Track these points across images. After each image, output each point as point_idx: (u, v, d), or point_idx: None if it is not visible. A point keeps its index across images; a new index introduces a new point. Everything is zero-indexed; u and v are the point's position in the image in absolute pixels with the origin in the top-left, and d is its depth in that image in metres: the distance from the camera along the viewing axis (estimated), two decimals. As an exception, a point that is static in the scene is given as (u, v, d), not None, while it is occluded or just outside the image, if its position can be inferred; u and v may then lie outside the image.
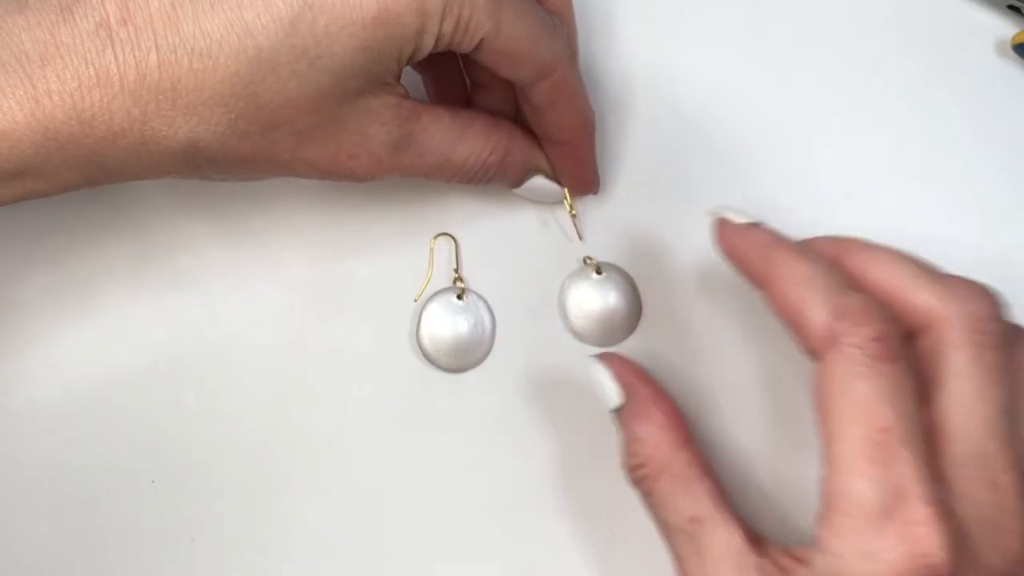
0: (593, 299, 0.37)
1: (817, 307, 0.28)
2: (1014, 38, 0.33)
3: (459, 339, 0.37)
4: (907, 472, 0.26)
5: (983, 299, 0.28)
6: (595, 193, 0.37)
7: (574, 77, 0.34)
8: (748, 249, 0.31)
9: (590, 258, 0.38)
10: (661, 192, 0.38)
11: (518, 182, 0.36)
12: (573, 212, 0.37)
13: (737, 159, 0.39)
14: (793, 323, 0.29)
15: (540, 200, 0.37)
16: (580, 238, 0.38)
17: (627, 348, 0.37)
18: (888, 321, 0.28)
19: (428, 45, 0.30)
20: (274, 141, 0.30)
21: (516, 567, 0.36)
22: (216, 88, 0.28)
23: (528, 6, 0.32)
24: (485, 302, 0.38)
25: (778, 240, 0.31)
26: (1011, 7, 0.34)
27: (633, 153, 0.38)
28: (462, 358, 0.37)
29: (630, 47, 0.39)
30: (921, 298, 0.29)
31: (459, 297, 0.37)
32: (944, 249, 0.37)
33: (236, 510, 0.37)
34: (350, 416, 0.37)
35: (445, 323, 0.37)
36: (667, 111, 0.39)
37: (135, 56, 0.27)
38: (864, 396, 0.27)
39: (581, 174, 0.37)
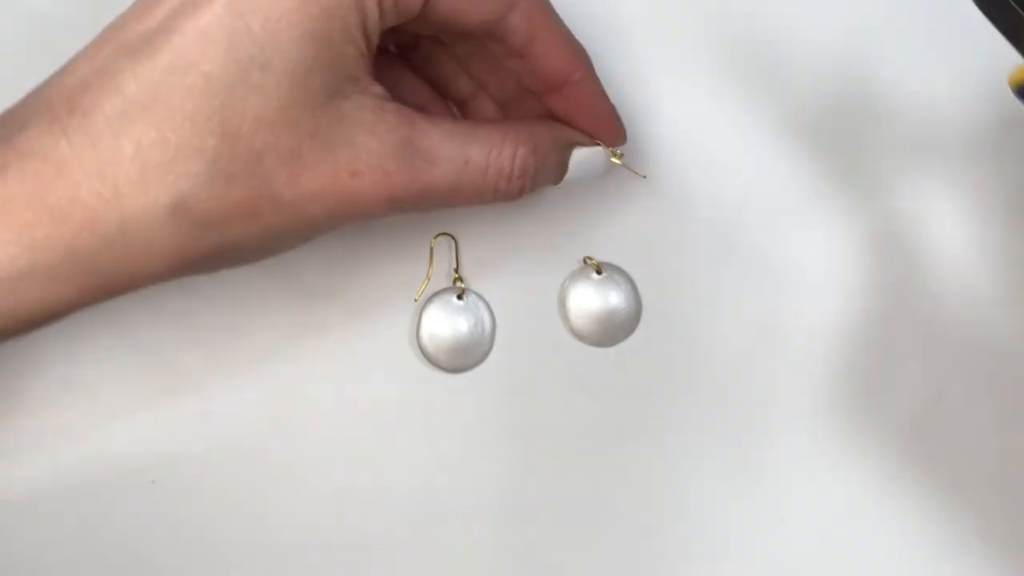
0: (593, 299, 0.37)
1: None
2: (1012, 78, 0.29)
3: (459, 339, 0.37)
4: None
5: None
6: (624, 140, 0.35)
7: (543, 2, 0.32)
8: None
9: (590, 258, 0.38)
10: (661, 192, 0.38)
11: (562, 170, 0.34)
12: (619, 154, 0.35)
13: (737, 159, 0.39)
14: None
15: (585, 176, 0.35)
16: (643, 175, 0.37)
17: (627, 348, 0.37)
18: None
19: (372, 11, 0.29)
20: (265, 175, 0.28)
21: (516, 566, 0.36)
22: (179, 134, 0.27)
23: None
24: (485, 302, 0.38)
25: None
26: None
27: (633, 153, 0.38)
28: (462, 358, 0.37)
29: (630, 47, 0.39)
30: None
31: (459, 297, 0.37)
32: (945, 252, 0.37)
33: (236, 510, 0.37)
34: (350, 416, 0.37)
35: (445, 323, 0.37)
36: (667, 112, 0.39)
37: (89, 136, 0.27)
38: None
39: (599, 114, 0.35)
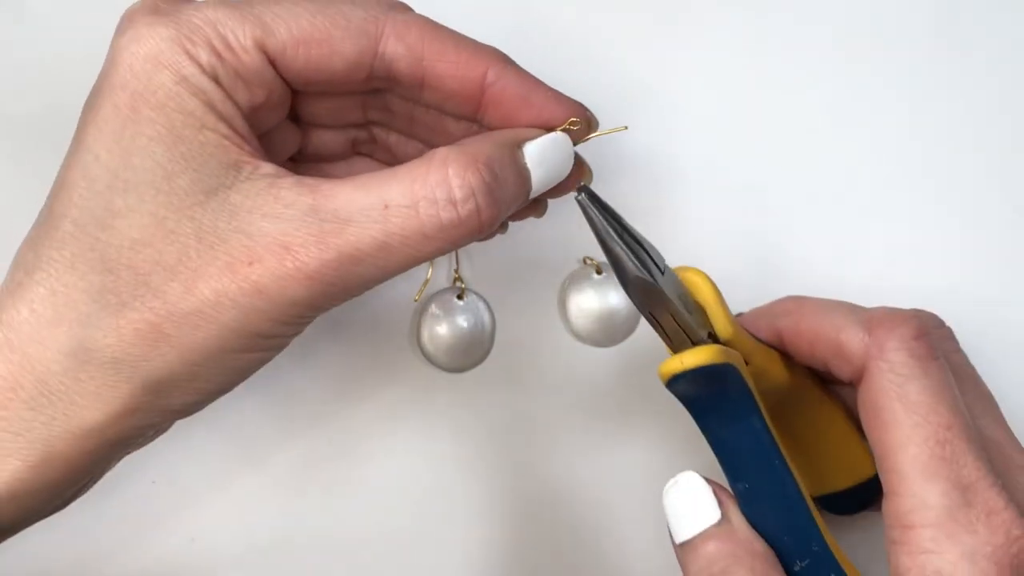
0: (593, 299, 0.37)
1: (850, 327, 0.28)
2: (660, 371, 0.28)
3: (459, 339, 0.37)
4: (976, 464, 0.26)
5: (909, 321, 0.28)
6: (580, 112, 0.31)
7: (414, 15, 0.29)
8: (763, 319, 0.32)
9: (590, 258, 0.38)
10: (661, 192, 0.38)
11: (522, 174, 0.29)
12: (574, 127, 0.30)
13: (736, 158, 0.39)
14: (832, 353, 0.29)
15: (561, 169, 0.30)
16: (624, 127, 0.32)
17: (627, 348, 0.38)
18: (922, 317, 0.28)
19: (213, 91, 0.27)
20: (157, 294, 0.26)
21: (516, 566, 0.36)
22: (63, 281, 0.26)
23: None
24: (485, 302, 0.38)
25: (781, 301, 0.32)
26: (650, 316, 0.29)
27: (632, 153, 0.38)
28: (462, 358, 0.37)
29: (632, 56, 0.39)
30: (850, 334, 0.29)
31: (459, 297, 0.37)
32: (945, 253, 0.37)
33: (236, 510, 0.37)
34: (350, 416, 0.37)
35: (445, 323, 0.37)
36: (666, 113, 0.39)
37: None
38: (920, 398, 0.27)
39: (536, 100, 0.30)
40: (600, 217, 0.28)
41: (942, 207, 0.39)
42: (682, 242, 0.36)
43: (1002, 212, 0.38)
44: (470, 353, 0.37)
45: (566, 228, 0.38)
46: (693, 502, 0.29)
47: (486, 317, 0.37)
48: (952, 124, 0.39)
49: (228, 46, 0.27)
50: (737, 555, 0.28)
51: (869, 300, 0.31)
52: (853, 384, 0.29)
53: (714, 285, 0.30)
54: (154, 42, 0.27)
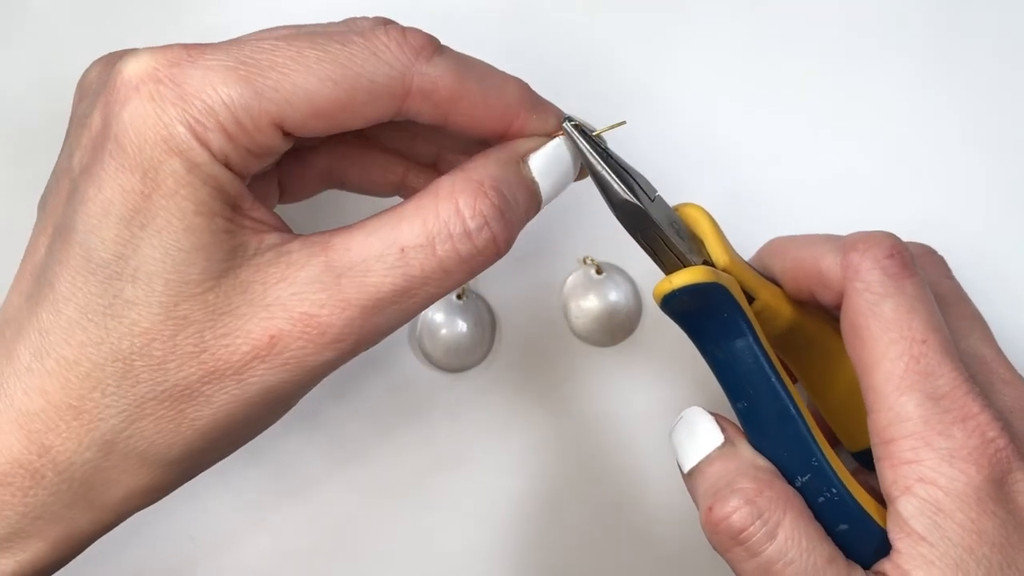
0: (593, 299, 0.37)
1: (828, 254, 0.30)
2: (655, 291, 0.29)
3: (459, 339, 0.37)
4: (952, 375, 0.27)
5: (882, 242, 0.29)
6: (565, 115, 0.29)
7: (441, 66, 0.26)
8: (755, 264, 0.32)
9: (590, 258, 0.38)
10: (661, 192, 0.38)
11: (530, 188, 0.28)
12: (573, 123, 0.29)
13: (735, 158, 0.39)
14: (815, 282, 0.30)
15: (564, 180, 0.30)
16: (622, 122, 0.30)
17: (627, 348, 0.38)
18: (893, 237, 0.29)
19: (222, 174, 0.25)
20: (175, 381, 0.26)
21: (515, 566, 0.37)
22: (67, 359, 0.25)
23: (300, 43, 0.25)
24: (485, 302, 0.38)
25: (767, 243, 0.33)
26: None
27: (632, 153, 0.38)
28: (462, 358, 0.37)
29: (624, 51, 0.39)
30: (829, 260, 0.29)
31: (459, 297, 0.37)
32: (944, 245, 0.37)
33: (236, 510, 0.37)
34: (350, 416, 0.37)
35: (445, 323, 0.37)
36: (666, 113, 0.39)
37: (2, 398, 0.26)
38: (894, 315, 0.28)
39: (539, 111, 0.29)
40: (587, 145, 0.29)
41: (944, 207, 0.39)
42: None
43: (1010, 208, 0.39)
44: (470, 353, 0.37)
45: (566, 228, 0.38)
46: (697, 430, 0.30)
47: (486, 317, 0.37)
48: (952, 122, 0.39)
49: (242, 128, 0.25)
50: (741, 468, 0.28)
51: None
52: (838, 309, 0.30)
53: (712, 218, 0.30)
54: (163, 124, 0.24)
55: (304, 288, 0.26)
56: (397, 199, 0.32)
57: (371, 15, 0.28)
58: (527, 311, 0.38)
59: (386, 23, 0.27)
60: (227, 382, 0.26)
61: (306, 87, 0.25)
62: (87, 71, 0.30)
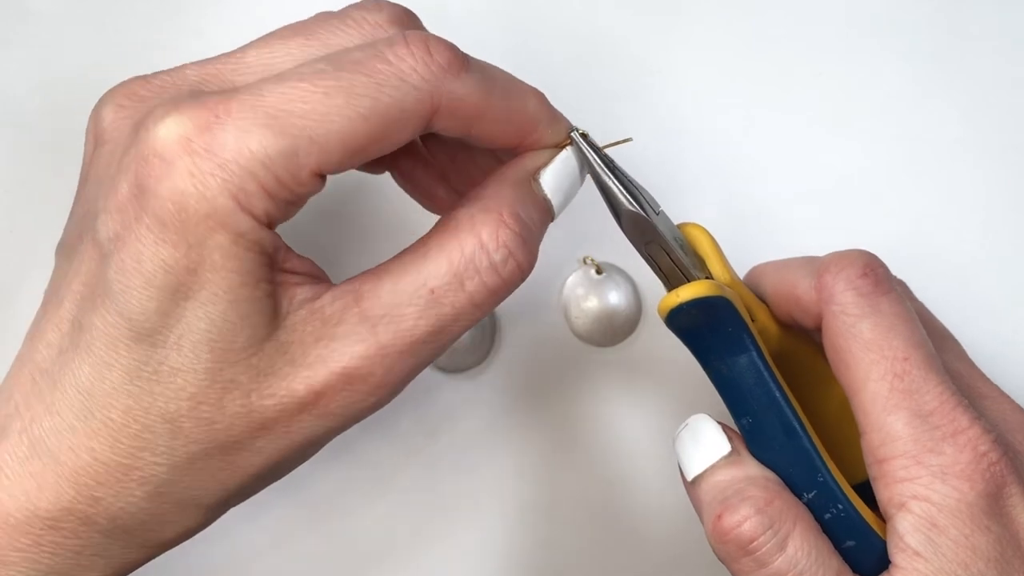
0: (593, 299, 0.37)
1: (804, 278, 0.29)
2: (659, 308, 0.29)
3: (460, 339, 0.37)
4: (937, 390, 0.27)
5: (855, 262, 0.29)
6: (574, 127, 0.30)
7: (466, 85, 0.26)
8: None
9: (590, 258, 0.38)
10: (661, 192, 0.38)
11: (544, 205, 0.29)
12: (581, 132, 0.30)
13: (735, 158, 0.39)
14: (793, 307, 0.30)
15: (572, 192, 0.30)
16: (628, 139, 0.31)
17: (627, 348, 0.38)
18: (867, 256, 0.29)
19: (260, 235, 0.25)
20: (227, 437, 0.26)
21: (516, 567, 0.37)
22: (114, 422, 0.25)
23: (327, 86, 0.25)
24: (485, 302, 0.38)
25: (748, 272, 0.33)
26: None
27: (631, 153, 0.38)
28: (463, 358, 0.37)
29: (626, 52, 0.39)
30: (804, 284, 0.29)
31: (459, 297, 0.37)
32: (944, 249, 0.37)
33: (235, 511, 0.37)
34: (350, 416, 0.37)
35: (445, 323, 0.37)
36: (665, 113, 0.39)
37: (48, 453, 0.26)
38: (872, 335, 0.28)
39: (553, 124, 0.29)
40: (595, 157, 0.29)
41: (943, 206, 0.39)
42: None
43: (1005, 211, 0.38)
44: (470, 353, 0.37)
45: (566, 228, 0.38)
46: (703, 438, 0.29)
47: (486, 317, 0.37)
48: (952, 122, 0.39)
49: (282, 184, 0.24)
50: (750, 477, 0.28)
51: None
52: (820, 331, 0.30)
53: (713, 238, 0.31)
54: (206, 199, 0.24)
55: (342, 344, 0.26)
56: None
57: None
58: (527, 311, 0.38)
59: (404, 27, 0.27)
60: (275, 434, 0.26)
61: (340, 131, 0.24)
62: (99, 111, 0.28)
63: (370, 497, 0.37)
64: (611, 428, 0.37)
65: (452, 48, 0.26)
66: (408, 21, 0.28)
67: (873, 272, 0.29)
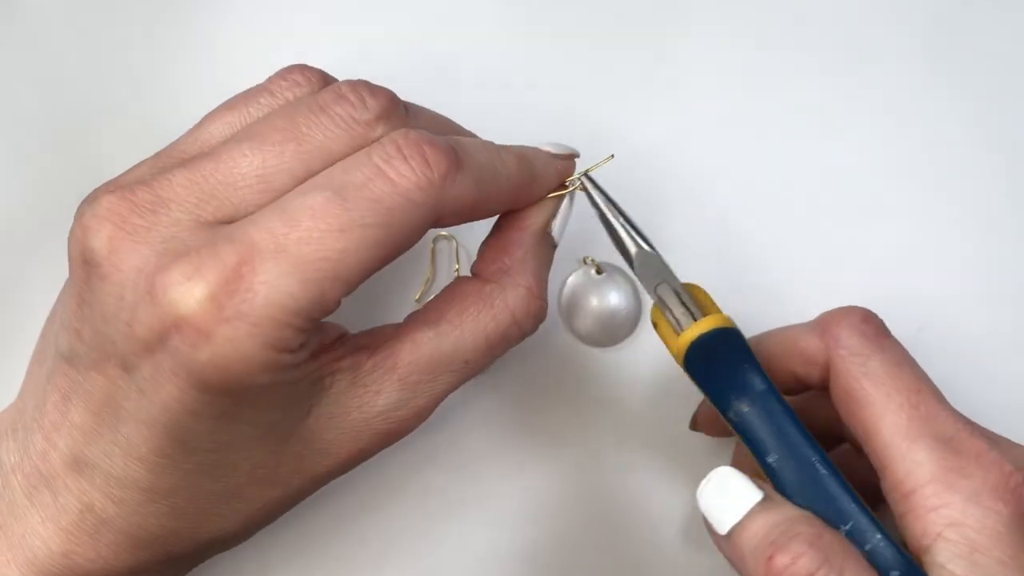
0: (593, 299, 0.37)
1: (806, 334, 0.30)
2: (678, 345, 0.30)
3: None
4: (952, 418, 0.28)
5: (854, 311, 0.30)
6: (572, 156, 0.32)
7: (464, 182, 0.27)
8: None
9: (590, 258, 0.38)
10: (660, 192, 0.38)
11: (551, 245, 0.32)
12: (586, 174, 0.32)
13: (735, 158, 0.39)
14: (798, 363, 0.31)
15: (570, 215, 0.33)
16: (611, 156, 0.33)
17: (627, 348, 0.38)
18: (863, 308, 0.30)
19: (297, 360, 0.26)
20: (277, 490, 0.29)
21: (515, 567, 0.37)
22: (189, 508, 0.28)
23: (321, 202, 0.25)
24: (485, 302, 0.38)
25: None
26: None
27: (631, 153, 0.38)
28: (462, 358, 0.37)
29: (627, 53, 0.39)
30: (807, 340, 0.30)
31: (459, 297, 0.37)
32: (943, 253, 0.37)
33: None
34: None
35: (445, 323, 0.37)
36: (665, 114, 0.39)
37: (67, 512, 0.28)
38: (883, 370, 0.29)
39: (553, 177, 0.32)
40: (604, 199, 0.31)
41: (939, 215, 0.39)
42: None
43: (1002, 219, 0.38)
44: (470, 353, 0.37)
45: (566, 228, 0.38)
46: (731, 489, 0.29)
47: (486, 317, 0.37)
48: (951, 126, 0.39)
49: (312, 320, 0.26)
50: (790, 518, 0.27)
51: (863, 304, 0.31)
52: (826, 388, 0.30)
53: (709, 296, 0.32)
54: (247, 359, 0.25)
55: (383, 411, 0.29)
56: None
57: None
58: (527, 311, 0.38)
59: (389, 120, 0.27)
60: (320, 482, 0.30)
61: (358, 262, 0.26)
62: (86, 234, 0.26)
63: (370, 497, 0.37)
64: (611, 428, 0.37)
65: (447, 151, 0.27)
66: (392, 109, 0.28)
67: (872, 319, 0.30)
